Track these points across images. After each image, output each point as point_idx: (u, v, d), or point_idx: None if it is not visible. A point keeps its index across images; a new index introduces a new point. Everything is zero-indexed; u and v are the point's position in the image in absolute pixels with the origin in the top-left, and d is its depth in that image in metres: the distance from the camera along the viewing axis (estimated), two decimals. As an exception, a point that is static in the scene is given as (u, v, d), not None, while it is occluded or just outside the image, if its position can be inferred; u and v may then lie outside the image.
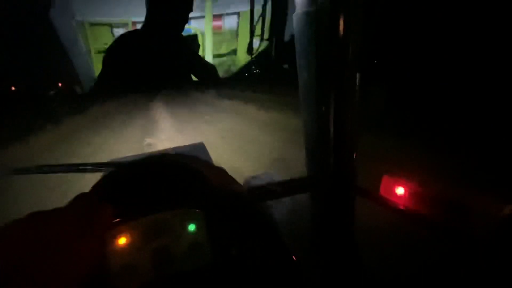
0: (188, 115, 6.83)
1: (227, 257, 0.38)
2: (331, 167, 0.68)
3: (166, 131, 5.40)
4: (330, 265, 0.75)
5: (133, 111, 8.22)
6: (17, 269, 0.23)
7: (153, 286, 0.30)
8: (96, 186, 0.43)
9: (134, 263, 0.32)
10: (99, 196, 0.40)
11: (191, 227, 0.37)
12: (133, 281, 0.30)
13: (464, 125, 3.07)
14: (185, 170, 0.42)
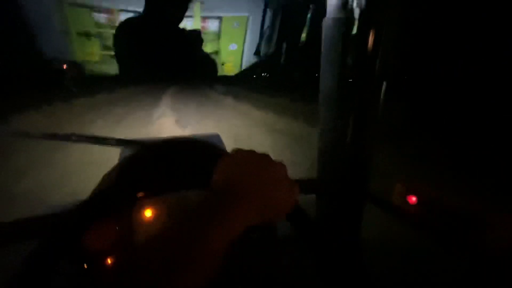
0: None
1: (246, 239, 0.39)
2: (345, 172, 0.69)
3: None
4: (333, 270, 0.77)
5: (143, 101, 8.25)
6: None
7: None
8: (124, 165, 0.44)
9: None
10: (127, 174, 0.42)
11: None
12: (158, 253, 0.32)
13: (485, 141, 3.08)
14: (205, 154, 0.42)
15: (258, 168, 0.35)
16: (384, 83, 0.64)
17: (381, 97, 0.68)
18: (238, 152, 0.37)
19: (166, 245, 0.25)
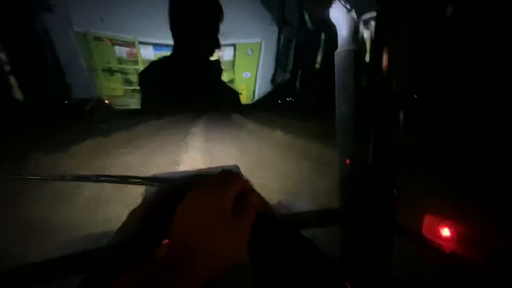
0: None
1: (270, 282, 0.38)
2: (369, 202, 0.66)
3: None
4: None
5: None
6: None
7: None
8: (148, 203, 0.45)
9: None
10: (151, 213, 0.42)
11: None
12: None
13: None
14: None
15: (205, 216, 0.35)
16: (402, 107, 0.63)
17: (400, 120, 0.66)
18: (191, 195, 0.37)
19: None
